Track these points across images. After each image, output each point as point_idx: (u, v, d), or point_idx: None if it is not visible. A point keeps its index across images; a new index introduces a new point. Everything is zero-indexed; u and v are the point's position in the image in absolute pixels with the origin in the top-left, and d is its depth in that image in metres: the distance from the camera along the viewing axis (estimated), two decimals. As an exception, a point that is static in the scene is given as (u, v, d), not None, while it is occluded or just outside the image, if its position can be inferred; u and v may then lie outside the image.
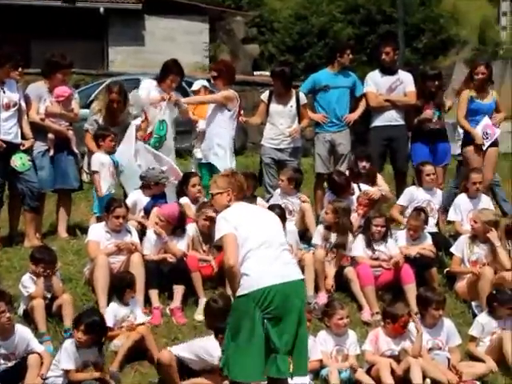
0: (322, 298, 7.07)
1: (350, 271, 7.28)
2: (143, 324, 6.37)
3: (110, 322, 6.29)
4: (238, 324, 4.88)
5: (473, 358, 6.63)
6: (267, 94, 8.57)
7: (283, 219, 6.84)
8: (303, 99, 8.54)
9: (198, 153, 8.73)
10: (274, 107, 8.47)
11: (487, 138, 8.77)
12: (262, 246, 4.96)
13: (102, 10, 20.78)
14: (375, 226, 7.41)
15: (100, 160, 7.94)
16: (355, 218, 7.84)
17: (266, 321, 4.81)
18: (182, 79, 8.42)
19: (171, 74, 8.21)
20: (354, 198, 8.07)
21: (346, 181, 8.05)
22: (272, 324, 4.82)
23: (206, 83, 9.26)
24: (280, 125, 8.44)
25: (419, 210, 7.71)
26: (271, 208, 6.98)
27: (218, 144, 8.24)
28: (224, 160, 8.16)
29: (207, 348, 5.88)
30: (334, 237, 7.45)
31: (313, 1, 22.32)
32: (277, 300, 4.83)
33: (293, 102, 8.46)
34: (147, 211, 7.59)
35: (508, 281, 7.02)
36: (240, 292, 4.90)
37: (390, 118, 8.78)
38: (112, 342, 6.30)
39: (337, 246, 7.42)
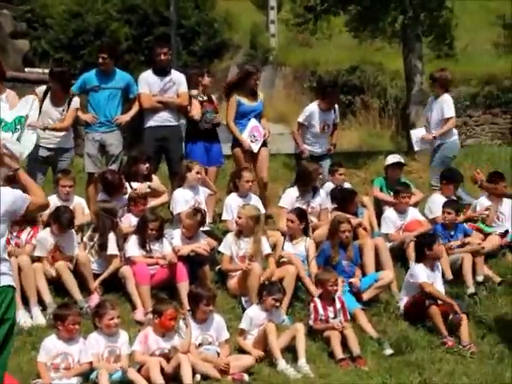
0: (94, 300, 7.01)
1: (126, 270, 7.27)
2: None
3: None
4: None
5: (241, 350, 6.86)
6: (43, 89, 8.31)
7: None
8: (75, 103, 8.40)
9: None
10: (47, 107, 8.25)
11: (256, 140, 9.06)
12: None
13: None
14: (151, 229, 7.46)
15: None
16: (128, 217, 7.86)
17: None
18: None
19: None
20: (127, 196, 8.06)
21: (119, 180, 8.03)
22: None
23: None
24: (48, 125, 8.24)
25: (196, 210, 7.81)
26: None
27: None
28: None
29: None
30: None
31: (87, -2, 21.87)
32: None
33: (65, 106, 8.32)
34: None
35: None
36: None
37: (163, 118, 8.83)
38: None
39: (99, 246, 7.38)
